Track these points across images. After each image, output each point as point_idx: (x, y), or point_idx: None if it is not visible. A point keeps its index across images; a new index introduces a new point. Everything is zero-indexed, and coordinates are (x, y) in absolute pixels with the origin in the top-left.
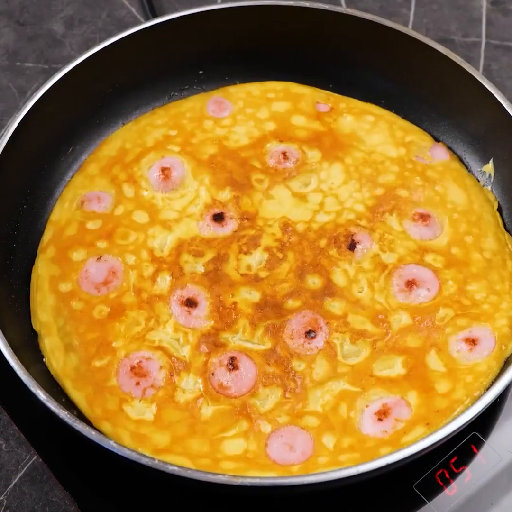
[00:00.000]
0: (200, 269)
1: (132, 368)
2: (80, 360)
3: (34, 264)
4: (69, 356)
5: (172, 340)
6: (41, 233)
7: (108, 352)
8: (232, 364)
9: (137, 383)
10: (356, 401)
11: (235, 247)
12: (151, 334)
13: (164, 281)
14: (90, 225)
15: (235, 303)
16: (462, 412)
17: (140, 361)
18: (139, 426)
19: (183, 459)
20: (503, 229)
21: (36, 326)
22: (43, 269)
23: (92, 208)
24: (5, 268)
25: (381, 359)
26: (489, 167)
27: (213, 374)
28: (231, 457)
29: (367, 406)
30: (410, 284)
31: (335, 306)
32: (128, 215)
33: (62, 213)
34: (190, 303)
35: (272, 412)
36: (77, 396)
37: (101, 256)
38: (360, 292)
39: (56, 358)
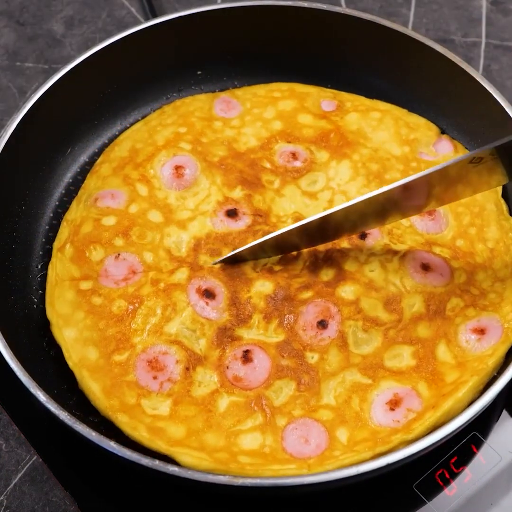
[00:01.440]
0: (218, 265)
1: (149, 362)
2: (100, 354)
3: (50, 261)
4: (89, 349)
5: (189, 330)
6: (40, 233)
7: (127, 347)
8: (246, 357)
9: (155, 377)
10: (368, 393)
11: (251, 241)
12: (168, 326)
13: (182, 273)
14: (105, 221)
15: (250, 297)
16: (466, 396)
17: (157, 356)
18: (155, 420)
19: (199, 453)
20: (508, 215)
21: (53, 317)
22: (62, 269)
23: (106, 203)
24: (4, 270)
25: (392, 349)
26: None
27: (228, 367)
28: (248, 452)
29: (377, 395)
30: (425, 267)
31: (347, 290)
32: (143, 214)
33: (77, 212)
34: (208, 294)
35: (287, 406)
36: (94, 386)
37: (119, 254)
38: (372, 271)
39: (75, 350)
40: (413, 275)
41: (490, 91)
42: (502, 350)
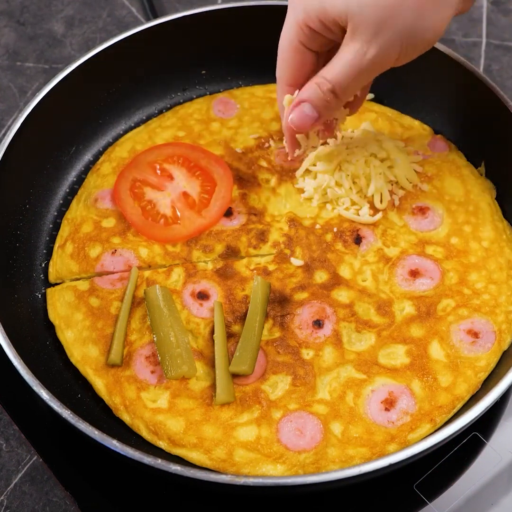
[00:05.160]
0: (211, 265)
1: (147, 357)
2: (100, 352)
3: (51, 258)
4: (89, 348)
5: (185, 331)
6: (44, 232)
7: (125, 344)
8: None
9: (153, 372)
10: (362, 389)
11: (244, 240)
12: None
13: (178, 276)
14: (105, 223)
15: (246, 296)
16: (463, 408)
17: (154, 351)
18: (155, 413)
19: (198, 452)
20: (502, 217)
21: (55, 319)
22: (61, 266)
23: (105, 205)
24: (8, 268)
25: (386, 347)
26: (482, 169)
27: None
28: (245, 444)
29: (372, 390)
30: (414, 273)
31: (342, 295)
32: None
33: (77, 211)
34: (202, 295)
35: (282, 400)
36: (98, 383)
37: (116, 250)
38: (364, 281)
39: (76, 349)
40: (401, 283)
41: (493, 91)
42: (494, 362)
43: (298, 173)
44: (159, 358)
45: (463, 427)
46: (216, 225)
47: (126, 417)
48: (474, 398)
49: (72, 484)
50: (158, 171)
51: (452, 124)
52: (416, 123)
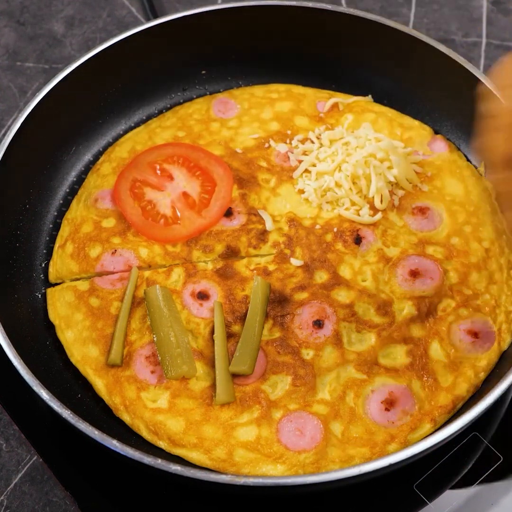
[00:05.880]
0: (211, 265)
1: (147, 357)
2: (100, 352)
3: (51, 258)
4: (89, 348)
5: (185, 331)
6: (44, 232)
7: (126, 344)
8: None
9: (153, 372)
10: (362, 389)
11: (244, 240)
12: None
13: (178, 276)
14: (105, 223)
15: (246, 296)
16: (463, 408)
17: (155, 351)
18: (155, 414)
19: (198, 452)
20: (502, 217)
21: (55, 319)
22: (61, 266)
23: (105, 205)
24: (8, 268)
25: (386, 347)
26: (482, 169)
27: None
28: (245, 444)
29: (372, 390)
30: (414, 273)
31: (342, 295)
32: None
33: (77, 211)
34: (202, 295)
35: (282, 400)
36: (98, 383)
37: (116, 250)
38: (364, 281)
39: (76, 349)
40: (401, 284)
41: (493, 91)
42: (494, 360)
43: (296, 174)
44: (159, 358)
45: (463, 427)
46: (216, 225)
47: (126, 417)
48: (474, 398)
49: (72, 484)
50: (158, 171)
51: (452, 124)
52: (416, 123)
